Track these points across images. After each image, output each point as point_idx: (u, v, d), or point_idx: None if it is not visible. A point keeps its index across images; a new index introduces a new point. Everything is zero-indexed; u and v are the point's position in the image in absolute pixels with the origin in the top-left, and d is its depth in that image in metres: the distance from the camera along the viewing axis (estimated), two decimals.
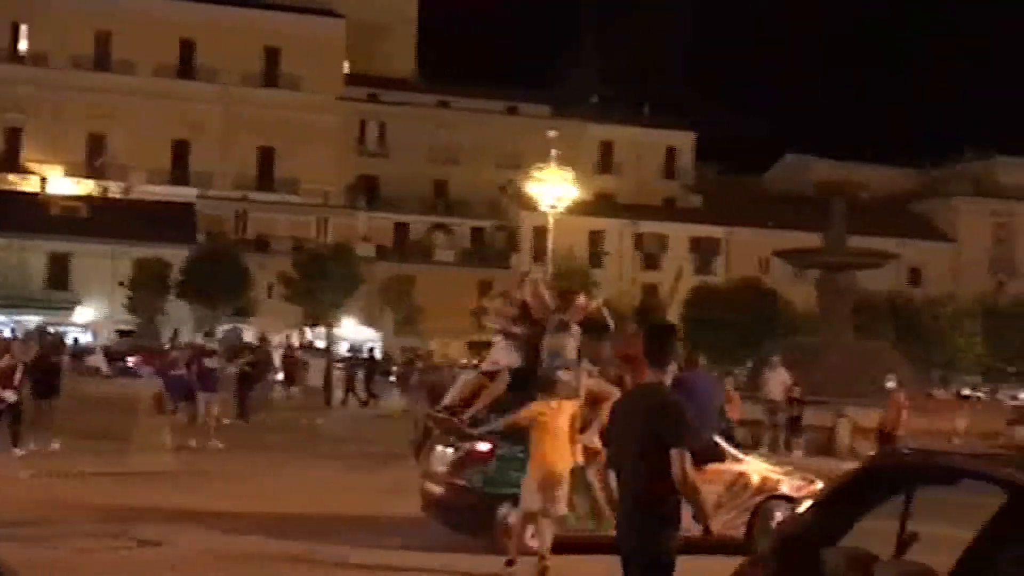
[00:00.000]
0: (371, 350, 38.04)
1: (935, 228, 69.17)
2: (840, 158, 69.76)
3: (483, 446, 9.82)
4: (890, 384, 19.60)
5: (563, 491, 8.82)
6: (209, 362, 19.74)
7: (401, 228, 65.57)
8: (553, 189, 35.39)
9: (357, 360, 36.00)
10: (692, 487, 5.01)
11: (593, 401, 9.75)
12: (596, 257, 62.84)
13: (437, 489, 10.14)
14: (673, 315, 57.99)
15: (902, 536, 4.18)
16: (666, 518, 5.08)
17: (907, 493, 4.16)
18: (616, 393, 8.91)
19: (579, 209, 45.12)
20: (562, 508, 8.88)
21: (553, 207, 35.10)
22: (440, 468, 10.23)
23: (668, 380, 5.41)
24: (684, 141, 73.22)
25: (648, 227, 65.90)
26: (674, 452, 5.00)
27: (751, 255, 60.57)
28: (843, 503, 4.24)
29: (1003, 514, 3.61)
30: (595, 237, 64.29)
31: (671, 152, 73.27)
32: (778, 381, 23.13)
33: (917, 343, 48.34)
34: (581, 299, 10.89)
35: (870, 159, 71.59)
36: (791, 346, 28.49)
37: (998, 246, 69.78)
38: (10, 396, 15.81)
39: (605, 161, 71.17)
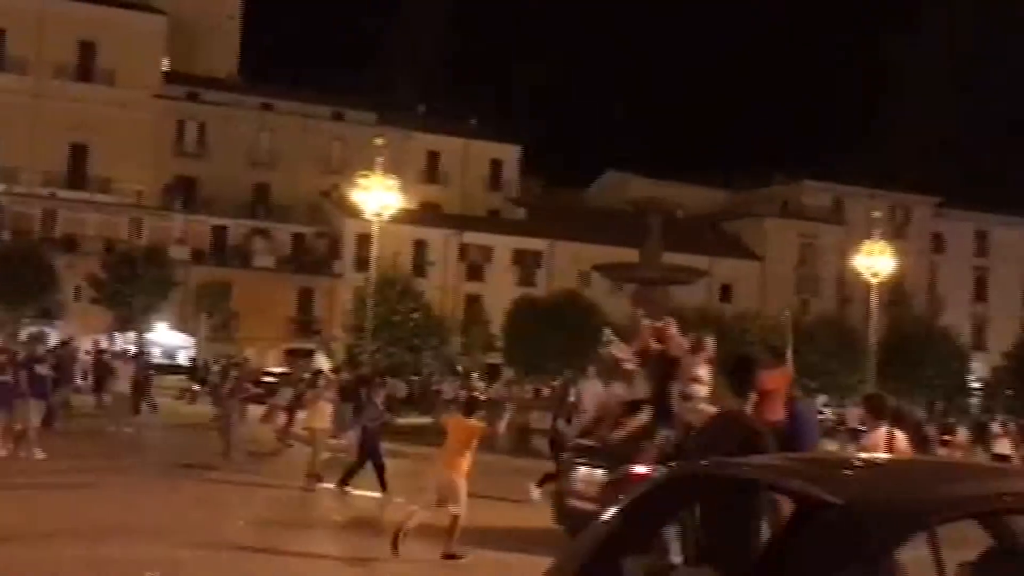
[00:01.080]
0: (140, 352, 37.47)
1: (745, 247, 72.03)
2: (658, 177, 71.90)
3: (641, 469, 10.38)
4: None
5: None
6: (40, 368, 18.73)
7: (219, 232, 63.84)
8: (377, 197, 35.07)
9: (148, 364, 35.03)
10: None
11: None
12: (420, 267, 62.79)
13: (588, 506, 10.50)
14: (494, 327, 58.66)
15: (697, 546, 4.28)
16: None
17: (703, 503, 4.27)
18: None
19: (404, 218, 44.93)
20: None
21: (377, 215, 34.74)
22: (587, 487, 11.07)
23: (749, 408, 6.08)
24: (509, 154, 74.06)
25: (472, 238, 66.31)
26: None
27: (572, 268, 61.70)
28: (644, 513, 4.29)
29: (790, 524, 3.74)
30: (419, 246, 64.24)
31: (497, 164, 73.99)
32: (592, 393, 23.52)
33: (727, 356, 50.23)
34: (710, 341, 12.15)
35: (687, 179, 74.04)
36: (606, 358, 29.12)
37: (803, 266, 73.18)
38: None
39: (431, 171, 71.27)
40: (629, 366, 12.64)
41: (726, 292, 67.93)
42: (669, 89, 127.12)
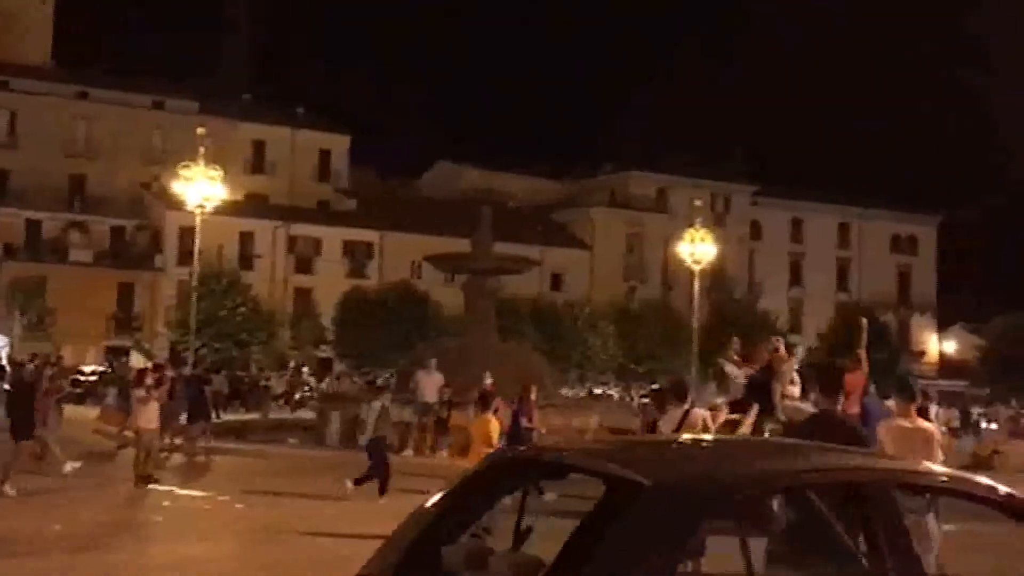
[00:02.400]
0: None
1: (574, 236, 73.30)
2: (490, 167, 72.40)
3: None
4: (488, 382, 21.06)
5: None
6: None
7: (33, 225, 60.90)
8: (201, 188, 34.10)
9: None
10: None
11: None
12: (247, 259, 61.44)
13: None
14: (325, 320, 57.96)
15: (518, 530, 4.34)
16: None
17: (523, 489, 4.33)
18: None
19: (229, 209, 43.87)
20: None
21: (200, 207, 33.78)
22: None
23: (838, 407, 7.14)
24: (339, 144, 73.20)
25: (301, 230, 65.30)
26: None
27: (404, 259, 61.52)
28: (463, 501, 4.33)
29: (601, 505, 3.83)
30: (245, 239, 62.83)
31: (325, 154, 73.02)
32: (433, 383, 23.59)
33: (558, 344, 51.10)
34: (799, 350, 15.40)
35: (518, 170, 74.79)
36: (439, 348, 29.19)
37: (630, 254, 74.98)
38: None
39: (257, 161, 69.80)
40: (740, 381, 15.08)
41: (556, 281, 68.99)
42: (500, 80, 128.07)
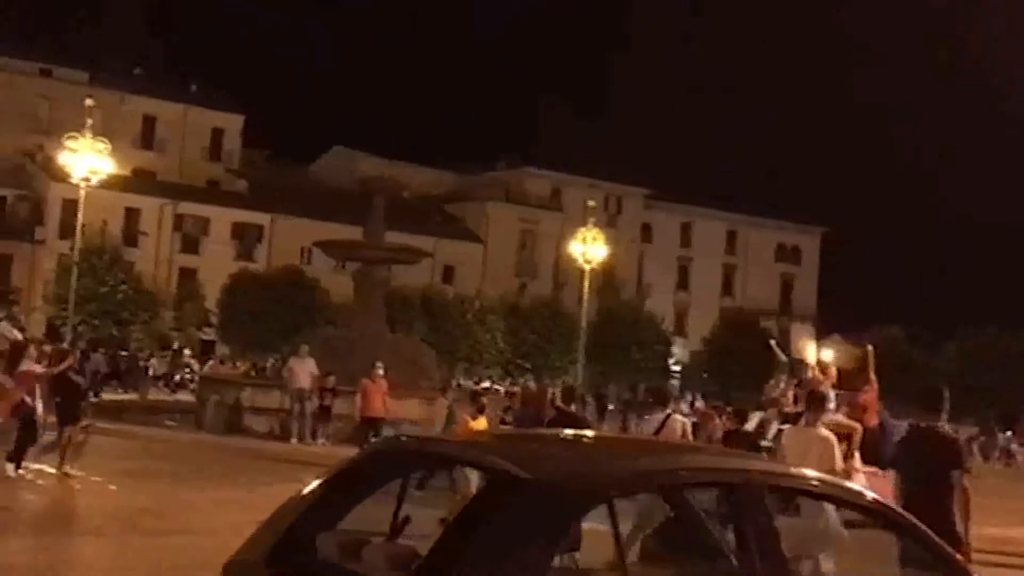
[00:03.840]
0: None
1: (468, 230, 73.32)
2: (385, 156, 71.88)
3: None
4: (379, 372, 21.17)
5: None
6: None
7: None
8: (87, 160, 33.15)
9: None
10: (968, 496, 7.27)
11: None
12: (131, 236, 59.90)
13: None
14: (210, 302, 56.79)
15: (396, 520, 4.33)
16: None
17: (404, 478, 4.33)
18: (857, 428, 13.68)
19: (115, 184, 42.72)
20: None
21: (86, 180, 32.83)
22: None
23: (943, 423, 7.58)
24: (232, 123, 71.83)
25: (189, 209, 63.89)
26: (955, 473, 7.25)
27: (294, 244, 60.72)
28: (342, 489, 4.30)
29: (480, 497, 3.85)
30: (131, 215, 61.23)
31: (218, 133, 71.59)
32: (306, 370, 23.45)
33: (447, 337, 51.07)
34: (833, 370, 16.50)
35: (415, 160, 74.45)
36: (326, 336, 28.93)
37: (523, 250, 75.33)
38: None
39: (146, 137, 68.07)
40: (785, 401, 16.51)
41: (448, 274, 68.92)
42: (401, 68, 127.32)
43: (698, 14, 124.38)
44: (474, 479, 5.46)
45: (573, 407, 13.41)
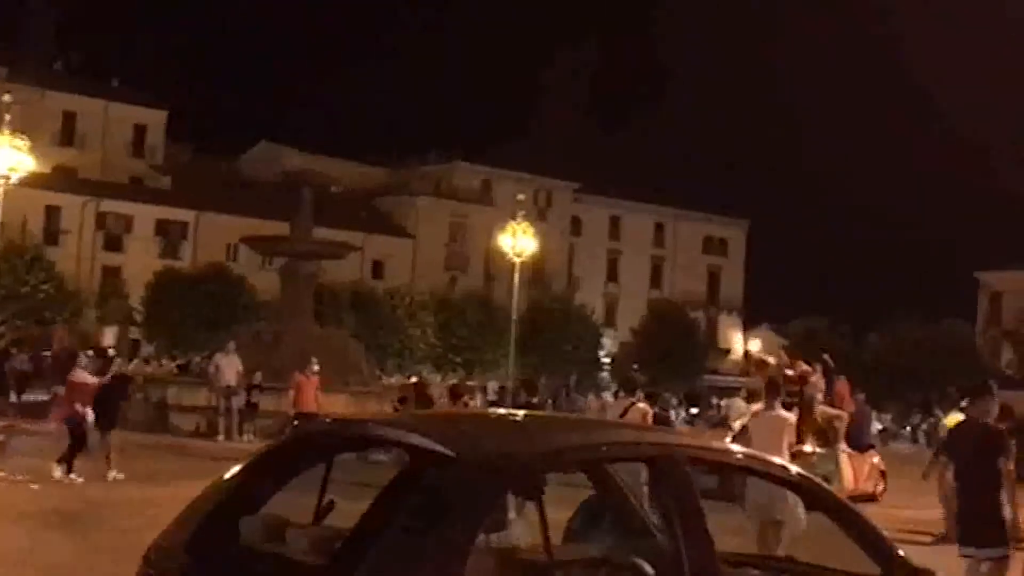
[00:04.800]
0: None
1: (398, 224, 73.04)
2: (313, 151, 71.21)
3: None
4: (315, 367, 21.14)
5: None
6: None
7: None
8: (5, 158, 32.38)
9: None
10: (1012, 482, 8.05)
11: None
12: (52, 235, 58.67)
13: None
14: (134, 300, 55.81)
15: (320, 504, 4.30)
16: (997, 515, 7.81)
17: (327, 461, 4.30)
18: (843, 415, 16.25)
19: (35, 182, 41.73)
20: None
21: (5, 177, 32.07)
22: None
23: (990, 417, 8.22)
24: (155, 118, 70.65)
25: (112, 206, 62.73)
26: (1002, 460, 7.97)
27: (220, 240, 59.92)
28: (266, 473, 4.26)
29: (403, 476, 3.84)
30: (52, 213, 59.94)
31: (140, 129, 70.37)
32: (233, 367, 23.25)
33: (377, 332, 50.80)
34: (820, 364, 17.13)
35: (342, 154, 73.86)
36: (252, 332, 28.66)
37: (453, 244, 75.24)
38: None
39: (67, 133, 66.66)
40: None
41: (377, 268, 68.57)
42: (329, 62, 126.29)
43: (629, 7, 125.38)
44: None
45: (536, 399, 15.10)
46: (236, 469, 4.30)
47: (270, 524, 4.05)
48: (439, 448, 3.65)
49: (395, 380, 40.00)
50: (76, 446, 14.88)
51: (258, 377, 23.49)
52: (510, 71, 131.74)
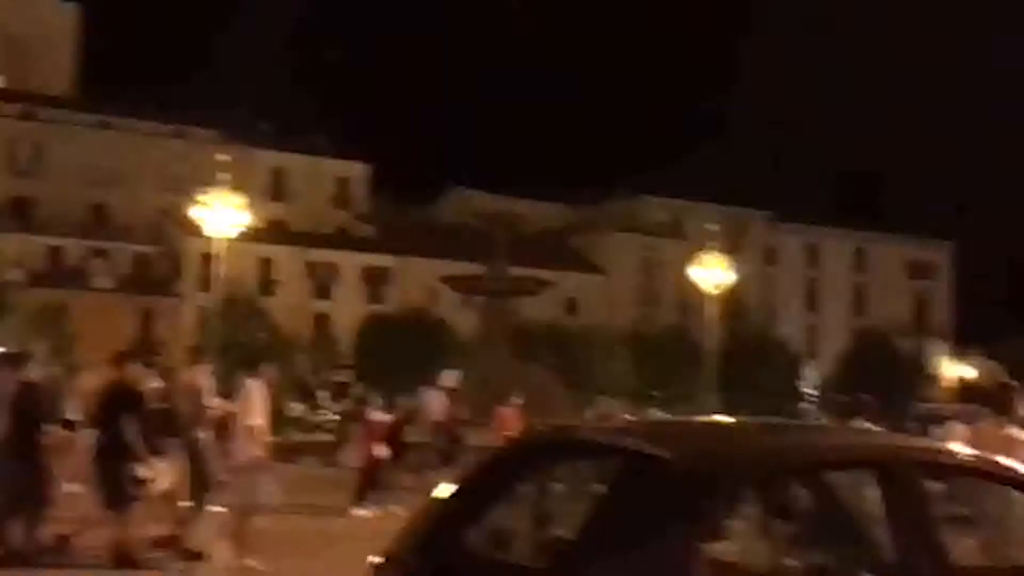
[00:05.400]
0: None
1: (589, 261, 73.35)
2: (503, 192, 72.62)
3: None
4: (517, 401, 21.33)
5: None
6: None
7: (56, 252, 61.59)
8: (222, 215, 34.52)
9: None
10: None
11: None
12: (266, 286, 61.85)
13: None
14: (344, 344, 58.13)
15: (542, 509, 4.44)
16: None
17: (545, 467, 4.38)
18: None
19: (248, 236, 44.28)
20: None
21: (222, 233, 34.20)
22: None
23: None
24: (357, 171, 73.76)
25: (320, 256, 65.72)
26: None
27: (421, 284, 61.78)
28: (487, 482, 4.32)
29: (621, 479, 3.79)
30: (265, 265, 63.30)
31: (344, 181, 73.55)
32: (440, 404, 23.93)
33: (573, 369, 51.09)
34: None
35: (530, 194, 74.91)
36: (456, 371, 29.38)
37: (644, 279, 74.92)
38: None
39: (277, 188, 70.36)
40: None
41: (571, 306, 68.99)
42: (511, 105, 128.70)
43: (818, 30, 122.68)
44: None
45: None
46: (461, 477, 4.39)
47: (494, 531, 4.15)
48: (655, 451, 3.66)
49: (591, 415, 40.12)
50: (372, 482, 15.91)
51: (463, 413, 24.07)
52: (686, 102, 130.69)
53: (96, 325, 54.22)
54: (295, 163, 70.97)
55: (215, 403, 12.26)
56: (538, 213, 73.46)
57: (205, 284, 49.54)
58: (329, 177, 72.57)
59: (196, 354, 15.55)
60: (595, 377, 55.35)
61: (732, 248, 64.77)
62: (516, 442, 4.80)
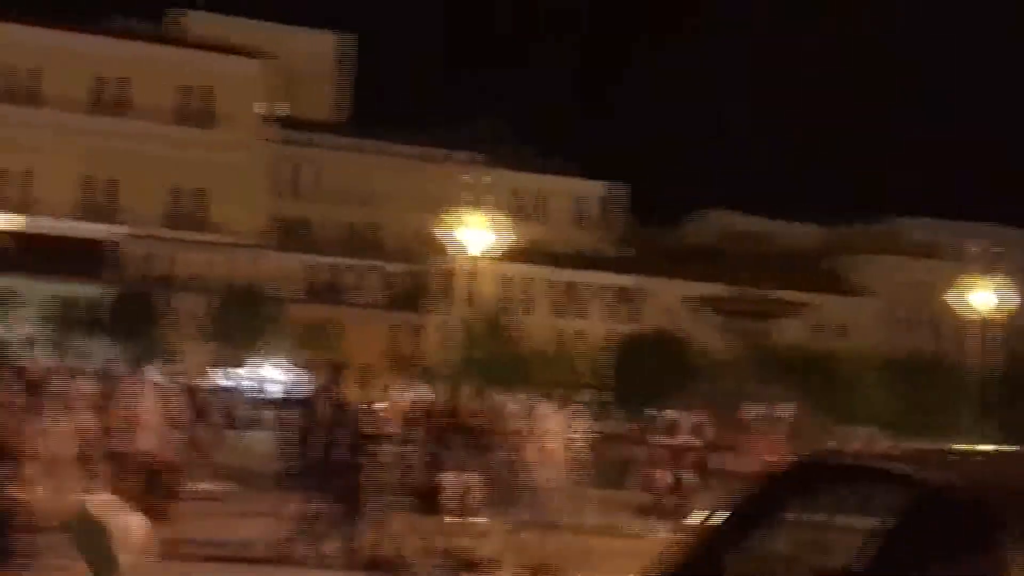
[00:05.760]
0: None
1: (844, 284, 70.85)
2: (750, 212, 71.36)
3: None
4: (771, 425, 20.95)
5: None
6: None
7: (325, 271, 65.86)
8: (478, 235, 35.66)
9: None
10: None
11: None
12: (519, 304, 63.43)
13: None
14: (592, 363, 58.49)
15: (810, 536, 4.32)
16: None
17: (827, 493, 4.27)
18: None
19: (503, 256, 45.48)
20: None
21: (479, 253, 35.33)
22: None
23: None
24: (603, 191, 74.53)
25: (568, 275, 66.73)
26: None
27: (668, 304, 61.46)
28: (754, 507, 4.25)
29: (907, 510, 3.71)
30: (518, 284, 64.97)
31: (593, 203, 74.45)
32: (688, 424, 23.78)
33: (829, 394, 49.27)
34: None
35: (781, 215, 73.26)
36: (705, 392, 29.07)
37: (905, 303, 71.60)
38: None
39: (527, 210, 71.98)
40: None
41: (828, 329, 66.77)
42: (761, 123, 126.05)
43: None
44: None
45: None
46: (728, 503, 4.35)
47: (758, 559, 4.11)
48: (940, 479, 3.55)
49: (850, 442, 38.60)
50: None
51: (709, 434, 23.79)
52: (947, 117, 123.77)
53: (362, 341, 57.10)
54: (544, 184, 72.49)
55: (517, 424, 12.60)
56: (788, 233, 71.77)
57: (462, 302, 51.29)
58: (580, 198, 73.70)
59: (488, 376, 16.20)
60: (850, 403, 53.27)
61: (1007, 270, 60.85)
62: (787, 467, 4.66)
